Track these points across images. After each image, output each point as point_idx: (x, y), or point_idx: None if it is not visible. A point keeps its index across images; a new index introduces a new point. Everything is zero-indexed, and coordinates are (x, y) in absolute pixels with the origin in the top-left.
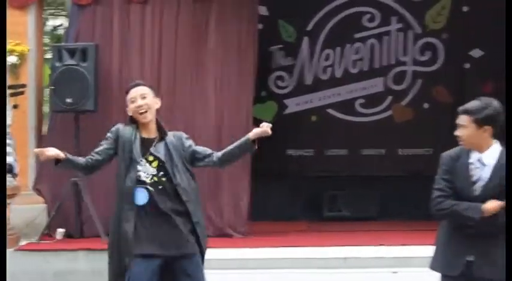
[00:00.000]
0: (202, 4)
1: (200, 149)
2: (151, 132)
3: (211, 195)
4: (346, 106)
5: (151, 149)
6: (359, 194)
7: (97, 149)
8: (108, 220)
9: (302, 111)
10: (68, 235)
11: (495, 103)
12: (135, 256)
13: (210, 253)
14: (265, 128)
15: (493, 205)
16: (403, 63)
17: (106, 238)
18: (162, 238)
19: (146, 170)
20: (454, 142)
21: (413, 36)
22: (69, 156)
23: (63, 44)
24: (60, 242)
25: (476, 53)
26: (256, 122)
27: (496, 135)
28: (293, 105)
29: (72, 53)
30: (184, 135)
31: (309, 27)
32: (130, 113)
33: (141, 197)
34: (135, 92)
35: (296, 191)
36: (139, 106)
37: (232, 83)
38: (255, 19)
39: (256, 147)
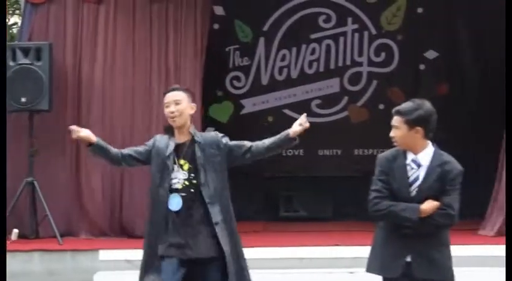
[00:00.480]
0: (159, 5)
1: (235, 145)
2: (185, 137)
3: None
4: (303, 107)
5: (182, 153)
6: (315, 195)
7: (133, 147)
8: (64, 220)
9: (258, 112)
10: (22, 236)
11: (427, 105)
12: (160, 257)
13: None
14: (304, 122)
15: (429, 206)
16: (359, 64)
17: (61, 238)
18: (186, 240)
19: (178, 176)
20: None
21: (368, 37)
22: (101, 142)
23: (17, 42)
24: (15, 243)
25: (431, 54)
26: (213, 122)
27: (428, 136)
28: (249, 105)
29: (26, 52)
30: (219, 134)
31: (265, 27)
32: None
33: (175, 203)
34: (169, 97)
35: (252, 191)
36: (172, 112)
37: (186, 83)
38: (206, 20)
39: (297, 141)
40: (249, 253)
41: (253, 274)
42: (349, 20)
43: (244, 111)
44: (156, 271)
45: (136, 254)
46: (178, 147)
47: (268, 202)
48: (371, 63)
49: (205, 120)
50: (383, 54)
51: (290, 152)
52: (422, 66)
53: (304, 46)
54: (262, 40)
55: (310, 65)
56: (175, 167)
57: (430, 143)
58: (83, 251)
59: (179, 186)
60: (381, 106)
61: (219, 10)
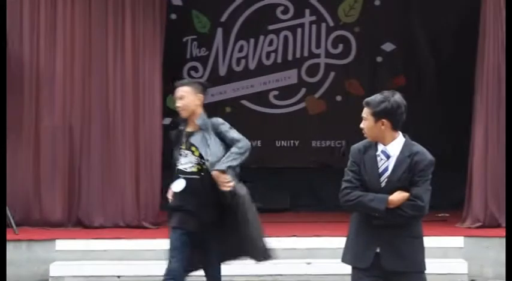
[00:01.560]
0: None
1: (227, 138)
2: (194, 126)
3: (123, 184)
4: (260, 98)
5: (191, 140)
6: (272, 186)
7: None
8: (20, 210)
9: (216, 103)
10: None
11: (395, 97)
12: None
13: (125, 244)
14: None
15: (397, 197)
16: (317, 56)
17: (17, 228)
18: (191, 213)
19: (190, 160)
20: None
21: (326, 29)
22: None
23: None
24: None
25: (388, 46)
26: (170, 112)
27: (396, 128)
28: (207, 96)
29: None
30: (219, 121)
31: (223, 18)
32: None
33: (179, 184)
34: (176, 92)
35: None
36: (178, 107)
37: (145, 73)
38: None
39: None
40: None
41: None
42: (307, 11)
43: None
44: None
45: (93, 244)
46: (188, 134)
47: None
48: (328, 54)
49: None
50: (340, 46)
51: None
52: (379, 59)
53: (262, 37)
54: (220, 31)
55: (268, 56)
56: (184, 152)
57: (400, 135)
58: (39, 241)
59: (188, 169)
60: (338, 98)
61: (176, 0)
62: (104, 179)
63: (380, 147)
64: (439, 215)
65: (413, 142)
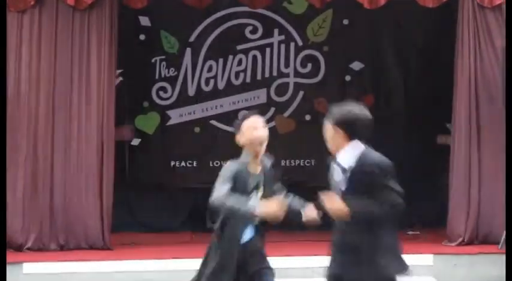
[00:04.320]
0: (81, 13)
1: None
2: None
3: (76, 205)
4: (229, 117)
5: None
6: None
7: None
8: None
9: (185, 123)
10: None
11: (351, 107)
12: None
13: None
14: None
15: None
16: (286, 75)
17: None
18: None
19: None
20: None
21: (295, 48)
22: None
23: None
24: None
25: (357, 65)
26: (139, 133)
27: (351, 138)
28: (176, 116)
29: None
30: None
31: (192, 38)
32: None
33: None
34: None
35: (179, 202)
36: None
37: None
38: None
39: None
40: (176, 264)
41: None
42: (276, 31)
43: (170, 122)
44: None
45: (60, 267)
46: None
47: (196, 213)
48: (297, 74)
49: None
50: (309, 65)
51: (217, 162)
52: (348, 77)
53: (230, 57)
54: (188, 51)
55: (237, 76)
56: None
57: (352, 144)
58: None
59: None
60: (308, 117)
61: (144, 21)
62: (66, 201)
63: (336, 159)
64: (410, 233)
65: (369, 151)
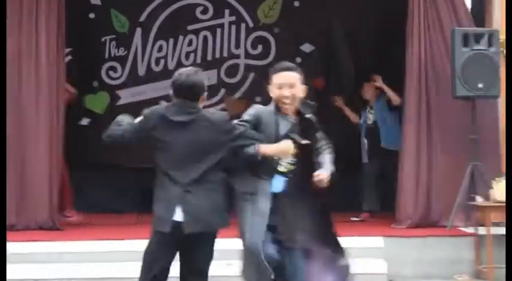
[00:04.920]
0: None
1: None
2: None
3: (36, 185)
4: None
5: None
6: None
7: None
8: None
9: (135, 103)
10: None
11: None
12: None
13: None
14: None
15: None
16: (236, 56)
17: None
18: None
19: None
20: None
21: (245, 29)
22: None
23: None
24: None
25: (307, 47)
26: (89, 113)
27: None
28: (126, 96)
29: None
30: None
31: (142, 18)
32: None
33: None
34: (283, 78)
35: (126, 183)
36: (286, 97)
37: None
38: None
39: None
40: (123, 245)
41: (129, 266)
42: (227, 12)
43: (120, 102)
44: None
45: (11, 248)
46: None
47: (142, 194)
48: (248, 55)
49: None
50: (260, 47)
51: None
52: (298, 60)
53: (181, 37)
54: (139, 30)
55: (187, 57)
56: None
57: None
58: None
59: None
60: (258, 99)
61: None
62: (17, 181)
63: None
64: (354, 219)
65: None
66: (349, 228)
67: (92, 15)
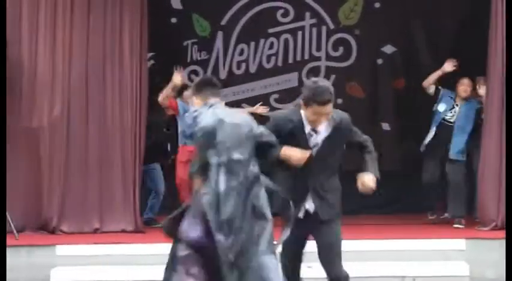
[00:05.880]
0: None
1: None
2: None
3: (117, 187)
4: (261, 101)
5: None
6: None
7: None
8: (21, 215)
9: None
10: None
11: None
12: None
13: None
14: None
15: None
16: (317, 59)
17: (17, 233)
18: None
19: None
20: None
21: (326, 31)
22: None
23: None
24: None
25: (389, 49)
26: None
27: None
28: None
29: None
30: None
31: (223, 21)
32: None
33: None
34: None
35: None
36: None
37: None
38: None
39: None
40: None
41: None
42: (307, 14)
43: None
44: None
45: (94, 249)
46: None
47: None
48: (329, 57)
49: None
50: (341, 49)
51: None
52: (380, 61)
53: (262, 40)
54: (220, 34)
55: (268, 60)
56: None
57: None
58: (39, 246)
59: None
60: (339, 101)
61: (176, 4)
62: (101, 183)
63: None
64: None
65: None
66: (430, 230)
67: (173, 20)
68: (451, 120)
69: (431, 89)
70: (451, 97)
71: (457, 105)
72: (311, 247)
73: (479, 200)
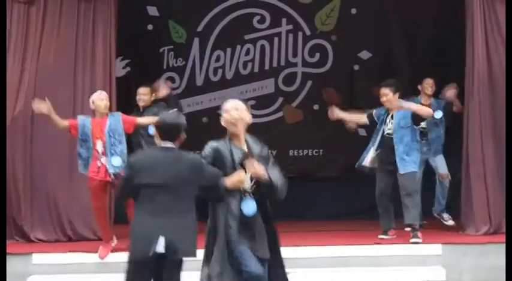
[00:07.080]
0: (86, 3)
1: None
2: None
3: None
4: None
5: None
6: None
7: None
8: None
9: (193, 113)
10: None
11: None
12: None
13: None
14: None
15: None
16: (294, 65)
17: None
18: None
19: None
20: (342, 143)
21: (303, 38)
22: None
23: None
24: None
25: (365, 54)
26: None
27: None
28: (185, 106)
29: None
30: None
31: (200, 28)
32: None
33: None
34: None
35: None
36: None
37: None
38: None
39: None
40: None
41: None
42: (284, 20)
43: None
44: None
45: (69, 258)
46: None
47: None
48: (305, 63)
49: None
50: (317, 55)
51: None
52: (356, 67)
53: (238, 47)
54: (196, 41)
55: (245, 66)
56: None
57: None
58: (15, 255)
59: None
60: (316, 107)
61: (152, 10)
62: (70, 192)
63: None
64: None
65: None
66: (407, 236)
67: (150, 27)
68: (390, 132)
69: (367, 120)
70: (382, 113)
71: (391, 117)
72: (289, 253)
73: (464, 204)
